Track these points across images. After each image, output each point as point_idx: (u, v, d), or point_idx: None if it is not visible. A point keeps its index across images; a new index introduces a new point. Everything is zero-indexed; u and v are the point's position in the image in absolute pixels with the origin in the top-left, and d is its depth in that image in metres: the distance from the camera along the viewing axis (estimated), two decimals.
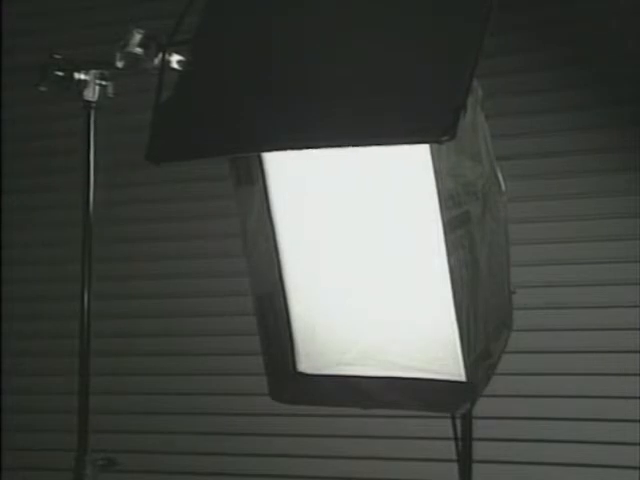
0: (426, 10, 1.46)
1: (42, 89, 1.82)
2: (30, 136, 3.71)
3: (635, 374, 2.91)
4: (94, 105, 1.86)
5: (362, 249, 1.78)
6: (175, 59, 1.72)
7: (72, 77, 1.82)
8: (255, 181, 1.83)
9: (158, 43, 1.73)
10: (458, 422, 1.75)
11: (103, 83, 1.85)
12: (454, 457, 1.76)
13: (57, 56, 1.83)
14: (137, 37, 1.74)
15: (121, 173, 3.39)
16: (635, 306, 2.96)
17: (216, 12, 1.67)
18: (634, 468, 2.86)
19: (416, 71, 1.38)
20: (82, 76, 1.83)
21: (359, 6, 1.52)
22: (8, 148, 3.63)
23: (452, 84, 1.33)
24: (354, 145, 1.43)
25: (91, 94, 1.84)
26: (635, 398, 2.90)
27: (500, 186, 1.81)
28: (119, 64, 1.77)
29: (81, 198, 1.88)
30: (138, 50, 1.74)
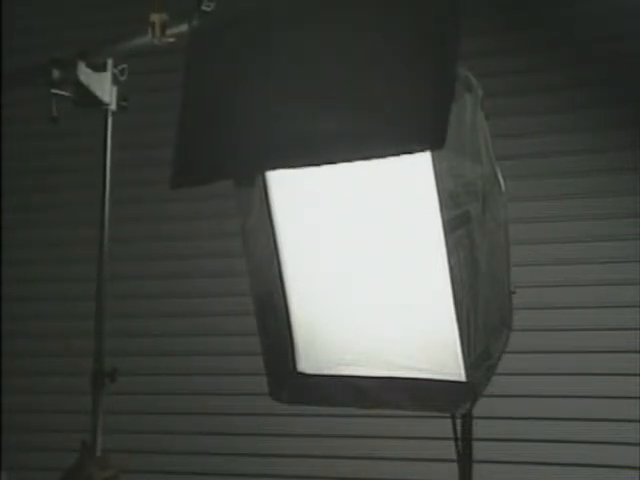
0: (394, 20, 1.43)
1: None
2: (30, 136, 3.71)
3: (635, 374, 2.91)
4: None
5: (362, 249, 1.78)
6: None
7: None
8: (255, 182, 1.83)
9: None
10: (458, 422, 1.75)
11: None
12: (454, 457, 1.76)
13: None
14: None
15: (120, 173, 3.39)
16: (635, 306, 2.96)
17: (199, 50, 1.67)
18: (634, 468, 2.86)
19: (399, 82, 1.38)
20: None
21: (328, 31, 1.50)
22: (8, 148, 3.63)
23: (436, 92, 1.32)
24: (353, 160, 1.44)
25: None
26: (635, 398, 2.90)
27: (500, 186, 1.81)
28: None
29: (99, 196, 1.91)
30: None
